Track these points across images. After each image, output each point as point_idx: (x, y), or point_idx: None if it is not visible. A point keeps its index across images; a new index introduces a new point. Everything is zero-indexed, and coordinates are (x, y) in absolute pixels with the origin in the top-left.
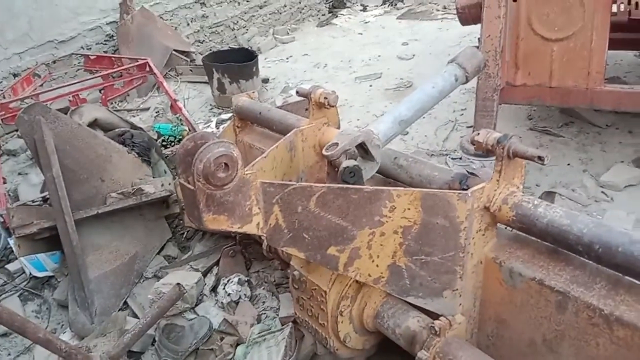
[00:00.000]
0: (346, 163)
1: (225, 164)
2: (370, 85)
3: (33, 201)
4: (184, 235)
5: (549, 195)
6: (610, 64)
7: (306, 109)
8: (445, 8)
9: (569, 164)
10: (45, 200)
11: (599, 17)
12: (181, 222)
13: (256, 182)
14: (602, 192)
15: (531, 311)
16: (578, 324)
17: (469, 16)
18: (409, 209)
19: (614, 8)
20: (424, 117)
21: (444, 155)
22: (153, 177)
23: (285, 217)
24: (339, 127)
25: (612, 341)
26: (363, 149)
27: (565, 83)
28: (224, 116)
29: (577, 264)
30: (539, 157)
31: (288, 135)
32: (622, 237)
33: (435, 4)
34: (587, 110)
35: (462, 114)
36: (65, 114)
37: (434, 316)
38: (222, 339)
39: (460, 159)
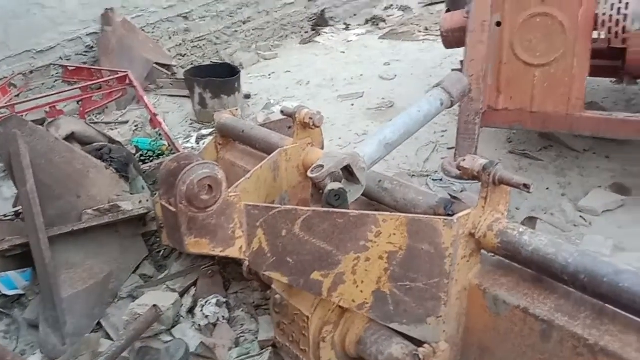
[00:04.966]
0: (331, 185)
1: (209, 185)
2: (352, 104)
3: (5, 215)
4: (161, 254)
5: (531, 221)
6: (588, 89)
7: (289, 127)
8: (426, 29)
9: (547, 188)
10: (17, 215)
11: (580, 44)
12: (158, 239)
13: (240, 204)
14: (581, 216)
15: (515, 339)
16: (563, 353)
17: (453, 40)
18: (394, 234)
19: (595, 35)
20: None
21: (425, 176)
22: (131, 194)
23: (269, 240)
24: (322, 148)
25: None
26: (348, 172)
27: (546, 108)
28: (204, 132)
29: (562, 292)
30: (525, 185)
31: (272, 155)
32: (608, 268)
33: (417, 25)
34: (566, 135)
35: (443, 136)
36: (42, 125)
37: (418, 343)
38: None
39: (441, 180)
